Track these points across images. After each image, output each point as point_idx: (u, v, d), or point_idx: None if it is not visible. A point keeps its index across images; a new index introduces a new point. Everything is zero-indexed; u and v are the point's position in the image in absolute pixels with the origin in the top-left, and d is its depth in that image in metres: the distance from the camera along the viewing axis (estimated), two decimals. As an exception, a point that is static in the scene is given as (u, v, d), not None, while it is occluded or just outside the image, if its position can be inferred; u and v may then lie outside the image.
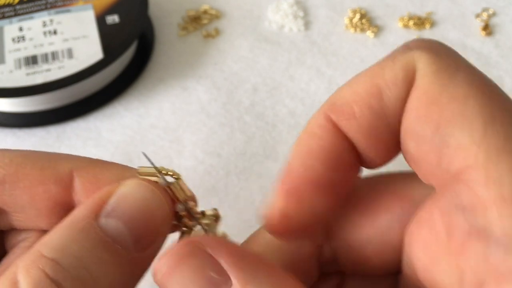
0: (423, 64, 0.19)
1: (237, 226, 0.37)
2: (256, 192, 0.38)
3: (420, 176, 0.20)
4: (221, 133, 0.42)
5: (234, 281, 0.17)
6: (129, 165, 0.40)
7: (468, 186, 0.17)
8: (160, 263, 0.19)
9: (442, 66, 0.18)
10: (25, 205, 0.22)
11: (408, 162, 0.20)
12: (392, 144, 0.20)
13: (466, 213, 0.17)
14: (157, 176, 0.21)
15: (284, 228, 0.20)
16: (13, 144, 0.42)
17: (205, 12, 0.50)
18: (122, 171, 0.23)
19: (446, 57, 0.19)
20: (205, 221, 0.23)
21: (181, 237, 0.23)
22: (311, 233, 0.21)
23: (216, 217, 0.24)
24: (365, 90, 0.19)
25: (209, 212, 0.23)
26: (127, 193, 0.20)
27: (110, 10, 0.46)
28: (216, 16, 0.50)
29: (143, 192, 0.20)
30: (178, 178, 0.22)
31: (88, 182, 0.22)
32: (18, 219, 0.23)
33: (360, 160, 0.21)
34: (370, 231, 0.21)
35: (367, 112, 0.19)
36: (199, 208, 0.23)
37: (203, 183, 0.39)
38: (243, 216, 0.37)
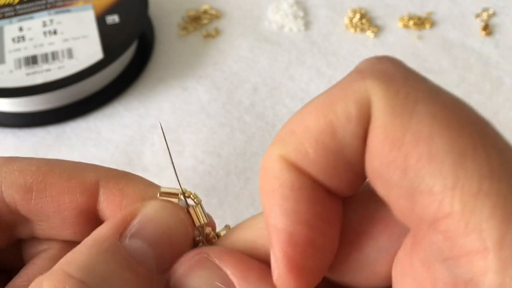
0: (378, 98, 0.17)
1: (237, 226, 0.37)
2: (256, 192, 0.38)
3: (394, 214, 0.18)
4: (221, 133, 0.42)
5: None
6: (129, 165, 0.40)
7: (447, 237, 0.15)
8: (175, 267, 0.19)
9: (399, 100, 0.17)
10: (51, 214, 0.22)
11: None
12: (357, 178, 0.19)
13: (449, 265, 0.16)
14: (177, 197, 0.22)
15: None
16: (13, 144, 0.42)
17: (205, 12, 0.50)
18: (146, 188, 0.23)
19: (402, 85, 0.17)
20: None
21: None
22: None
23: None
24: (317, 127, 0.18)
25: (223, 232, 0.24)
26: (152, 214, 0.20)
27: (110, 10, 0.46)
28: (216, 16, 0.50)
29: (168, 214, 0.20)
30: (198, 203, 0.22)
31: (112, 194, 0.22)
32: (42, 227, 0.23)
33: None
34: (356, 261, 0.20)
35: (321, 152, 0.18)
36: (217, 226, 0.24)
37: (203, 183, 0.39)
38: (243, 216, 0.37)
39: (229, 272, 0.18)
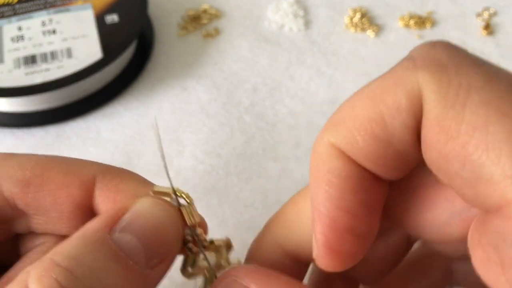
0: (430, 91, 0.17)
1: (237, 226, 0.36)
2: (256, 192, 0.38)
3: (462, 199, 0.19)
4: (221, 133, 0.42)
5: None
6: (128, 164, 0.40)
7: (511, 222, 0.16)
8: None
9: (451, 91, 0.17)
10: (48, 207, 0.23)
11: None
12: (407, 165, 0.19)
13: None
14: (169, 196, 0.22)
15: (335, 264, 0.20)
16: (12, 144, 0.42)
17: (205, 11, 0.50)
18: (140, 186, 0.23)
19: (455, 75, 0.17)
20: (216, 247, 0.24)
21: (184, 260, 0.24)
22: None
23: (227, 246, 0.24)
24: (367, 117, 0.18)
25: (218, 242, 0.24)
26: (143, 210, 0.20)
27: (110, 10, 0.46)
28: (216, 15, 0.50)
29: (158, 210, 0.21)
30: (190, 203, 0.22)
31: (108, 190, 0.23)
32: (39, 221, 0.23)
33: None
34: (431, 220, 0.20)
35: (370, 141, 0.18)
36: (208, 235, 0.24)
37: (203, 183, 0.39)
38: (243, 216, 0.37)
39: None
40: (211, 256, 0.25)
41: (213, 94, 0.44)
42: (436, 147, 0.17)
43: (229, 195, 0.38)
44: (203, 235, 0.23)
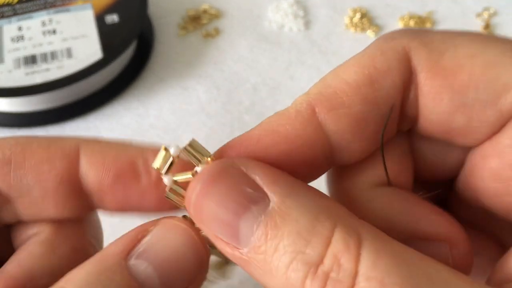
0: (418, 49, 0.19)
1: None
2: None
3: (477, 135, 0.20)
4: (221, 133, 0.42)
5: (271, 196, 0.17)
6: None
7: None
8: (193, 183, 0.18)
9: (436, 43, 0.19)
10: (31, 186, 0.22)
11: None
12: (375, 135, 0.20)
13: None
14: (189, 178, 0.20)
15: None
16: (12, 144, 0.42)
17: (205, 11, 0.50)
18: (127, 147, 0.22)
19: (432, 34, 0.19)
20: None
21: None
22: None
23: None
24: (355, 80, 0.19)
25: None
26: (162, 235, 0.19)
27: (110, 10, 0.46)
28: (216, 15, 0.50)
29: (179, 235, 0.19)
30: (191, 147, 0.21)
31: (94, 156, 0.21)
32: (24, 205, 0.22)
33: (330, 159, 0.20)
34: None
35: (358, 101, 0.19)
36: None
37: (203, 183, 0.39)
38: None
39: (257, 178, 0.18)
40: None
41: (213, 94, 0.44)
42: (446, 89, 0.18)
43: (229, 195, 0.38)
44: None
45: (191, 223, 0.20)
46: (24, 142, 0.22)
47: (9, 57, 0.42)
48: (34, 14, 0.45)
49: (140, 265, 0.18)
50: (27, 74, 0.41)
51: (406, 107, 0.19)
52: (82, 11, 0.45)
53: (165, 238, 0.19)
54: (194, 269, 0.19)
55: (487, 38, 0.19)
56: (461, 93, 0.18)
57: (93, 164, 0.21)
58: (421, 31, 0.19)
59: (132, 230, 0.19)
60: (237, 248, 0.17)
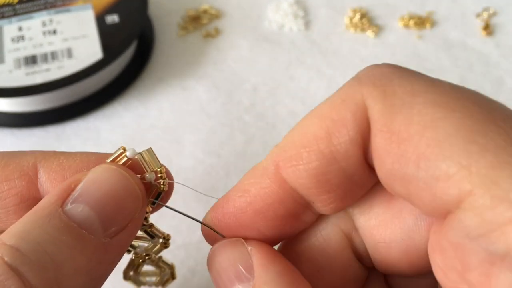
0: (375, 102, 0.17)
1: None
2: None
3: (419, 210, 0.19)
4: (221, 133, 0.42)
5: (255, 279, 0.19)
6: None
7: (474, 213, 0.15)
8: (217, 242, 0.21)
9: (397, 98, 0.17)
10: None
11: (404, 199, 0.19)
12: (347, 189, 0.19)
13: (481, 243, 0.15)
14: (124, 155, 0.21)
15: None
16: (12, 144, 0.42)
17: (205, 11, 0.50)
18: (88, 156, 0.22)
19: (399, 85, 0.17)
20: (157, 263, 0.25)
21: (129, 263, 0.24)
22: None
23: (171, 274, 0.26)
24: (313, 133, 0.18)
25: (164, 263, 0.25)
26: (95, 177, 0.20)
27: (110, 10, 0.46)
28: (216, 15, 0.50)
29: (112, 175, 0.20)
30: (146, 154, 0.21)
31: (52, 171, 0.21)
32: None
33: (315, 209, 0.20)
34: (395, 230, 0.20)
35: (314, 156, 0.18)
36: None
37: (203, 183, 0.39)
38: (243, 216, 0.37)
39: (255, 259, 0.20)
40: (148, 262, 0.25)
41: (213, 94, 0.44)
42: (390, 153, 0.17)
43: (229, 195, 0.38)
44: (148, 219, 0.22)
45: (123, 165, 0.21)
46: None
47: (9, 57, 0.43)
48: (35, 14, 0.45)
49: (77, 208, 0.19)
50: (27, 74, 0.41)
51: (369, 159, 0.19)
52: (83, 11, 0.46)
53: (98, 181, 0.19)
54: (132, 205, 0.20)
55: (453, 103, 0.17)
56: (401, 163, 0.17)
57: (53, 181, 0.21)
58: (393, 75, 0.18)
59: (63, 182, 0.20)
60: None
